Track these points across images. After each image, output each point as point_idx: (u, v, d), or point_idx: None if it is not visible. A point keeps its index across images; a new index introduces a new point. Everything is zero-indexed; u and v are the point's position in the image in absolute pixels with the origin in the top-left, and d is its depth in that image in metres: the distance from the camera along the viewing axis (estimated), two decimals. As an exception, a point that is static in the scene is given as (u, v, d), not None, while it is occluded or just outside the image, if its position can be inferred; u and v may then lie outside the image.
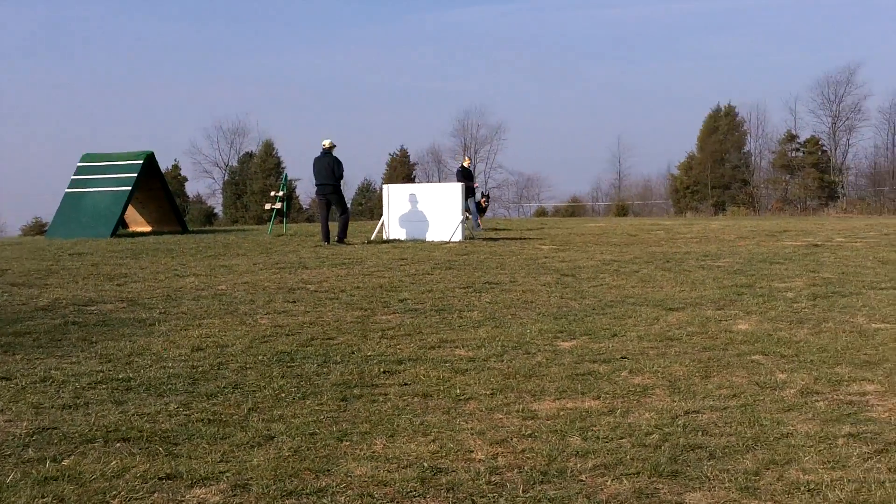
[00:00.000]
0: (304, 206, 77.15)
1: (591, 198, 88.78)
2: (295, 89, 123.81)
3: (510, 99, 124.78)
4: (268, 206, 27.27)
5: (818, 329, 9.57)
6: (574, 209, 78.83)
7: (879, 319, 10.13)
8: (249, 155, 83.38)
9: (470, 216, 26.98)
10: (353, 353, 8.49)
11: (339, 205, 21.69)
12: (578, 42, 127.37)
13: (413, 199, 22.91)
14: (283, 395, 6.98)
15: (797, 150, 79.93)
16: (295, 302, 11.55)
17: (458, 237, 21.88)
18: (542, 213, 77.05)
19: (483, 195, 29.85)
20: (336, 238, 21.22)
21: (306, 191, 77.85)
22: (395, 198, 23.14)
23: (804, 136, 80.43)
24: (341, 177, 21.44)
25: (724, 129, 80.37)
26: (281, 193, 26.22)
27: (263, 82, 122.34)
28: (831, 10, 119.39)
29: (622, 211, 71.80)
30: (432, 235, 22.13)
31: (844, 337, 9.12)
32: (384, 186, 24.29)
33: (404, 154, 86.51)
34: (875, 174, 78.49)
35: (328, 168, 21.17)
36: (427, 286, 13.00)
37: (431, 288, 12.81)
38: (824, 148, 79.98)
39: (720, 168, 78.75)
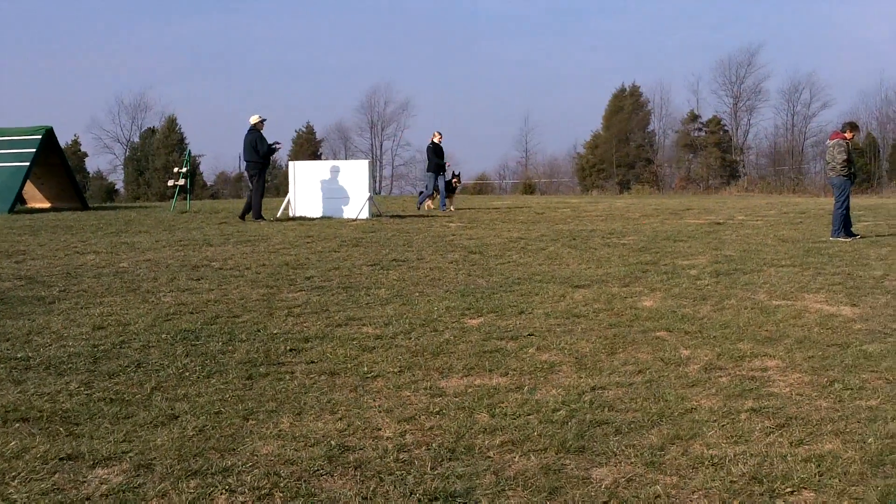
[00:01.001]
0: (207, 183, 76.24)
1: (498, 175, 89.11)
2: (198, 65, 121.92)
3: (417, 76, 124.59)
4: (171, 183, 26.81)
5: (721, 306, 9.72)
6: (481, 187, 79.03)
7: (780, 296, 10.33)
8: (152, 131, 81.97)
9: (437, 195, 26.67)
10: (259, 331, 8.39)
11: (255, 183, 21.35)
12: (486, 20, 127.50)
13: (320, 176, 22.73)
14: (188, 373, 6.87)
15: (699, 129, 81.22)
16: (199, 279, 11.38)
17: (364, 214, 21.77)
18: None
19: (454, 175, 28.36)
20: (251, 216, 20.97)
21: (210, 167, 76.99)
22: (302, 175, 22.93)
23: (706, 116, 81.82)
24: (264, 153, 21.01)
25: (628, 108, 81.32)
26: (184, 170, 25.77)
27: (165, 58, 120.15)
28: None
29: (529, 189, 72.20)
30: (339, 212, 21.99)
31: (746, 313, 9.28)
32: (290, 163, 24.04)
33: (310, 131, 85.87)
34: (775, 154, 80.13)
35: (250, 145, 20.88)
36: (334, 263, 12.92)
37: (338, 265, 12.73)
38: (726, 128, 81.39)
39: (625, 147, 79.67)
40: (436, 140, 26.98)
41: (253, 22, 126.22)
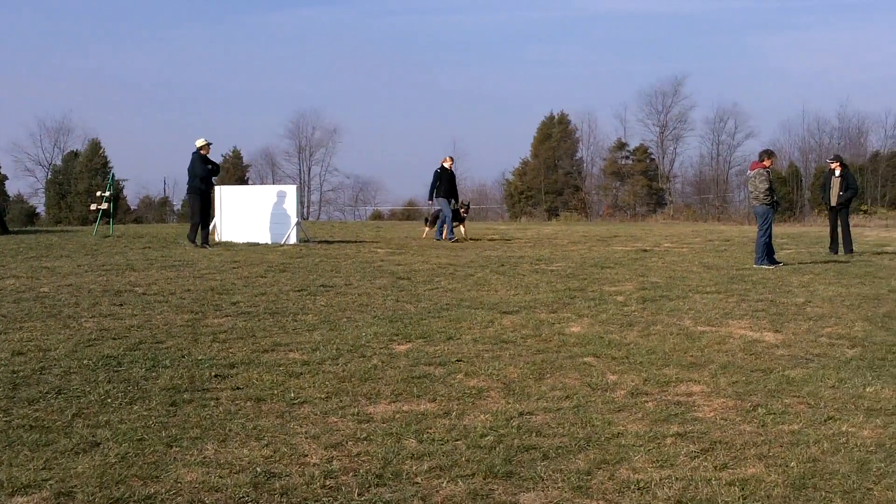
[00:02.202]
0: (131, 207, 75.31)
1: (426, 202, 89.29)
2: (123, 88, 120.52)
3: (346, 102, 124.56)
4: (93, 207, 26.33)
5: (647, 332, 9.80)
6: (410, 213, 79.17)
7: (705, 322, 10.45)
8: (74, 154, 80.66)
9: (444, 223, 24.33)
10: (184, 356, 8.27)
11: (191, 205, 20.98)
12: (415, 47, 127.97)
13: (247, 201, 22.55)
14: (110, 400, 6.75)
15: (626, 157, 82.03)
16: (122, 305, 11.20)
17: (292, 240, 21.64)
18: (377, 216, 77.19)
19: (463, 204, 25.97)
20: (187, 236, 20.64)
21: (134, 191, 76.07)
22: (228, 199, 22.75)
23: (633, 144, 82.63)
24: (199, 177, 20.46)
25: (557, 136, 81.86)
26: (107, 194, 25.36)
27: (89, 80, 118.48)
28: (658, 22, 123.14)
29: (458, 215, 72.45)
30: (266, 238, 21.82)
31: (672, 339, 9.37)
32: (217, 188, 23.81)
33: (237, 155, 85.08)
34: (700, 182, 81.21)
35: (189, 168, 20.54)
36: (260, 289, 12.80)
37: (265, 291, 12.62)
38: (652, 156, 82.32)
39: (553, 174, 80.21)
40: (447, 165, 24.78)
41: (179, 46, 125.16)
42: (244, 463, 5.35)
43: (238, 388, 7.16)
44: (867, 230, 35.23)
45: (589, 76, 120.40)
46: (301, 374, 7.66)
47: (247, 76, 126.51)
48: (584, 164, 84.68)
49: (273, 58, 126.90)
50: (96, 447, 5.62)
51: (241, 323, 10.04)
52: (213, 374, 7.60)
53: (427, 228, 25.51)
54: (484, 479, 5.12)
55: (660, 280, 14.44)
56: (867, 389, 7.37)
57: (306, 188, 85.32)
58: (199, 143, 20.60)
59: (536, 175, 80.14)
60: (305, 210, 79.31)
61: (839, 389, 7.37)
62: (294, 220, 21.91)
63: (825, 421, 6.45)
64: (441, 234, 24.60)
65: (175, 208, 77.75)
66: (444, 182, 24.48)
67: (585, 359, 8.41)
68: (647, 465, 5.40)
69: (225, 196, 22.83)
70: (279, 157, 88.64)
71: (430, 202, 25.21)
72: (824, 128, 79.75)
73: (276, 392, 7.04)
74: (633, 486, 5.03)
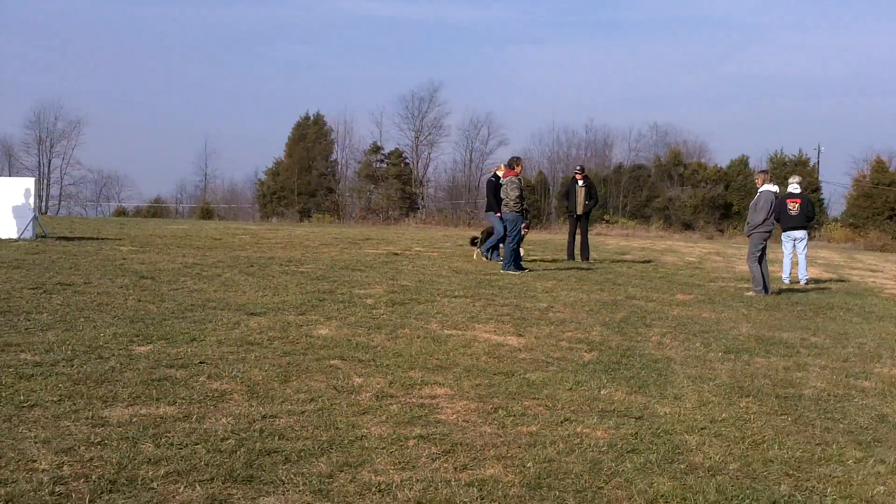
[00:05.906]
0: None
1: (174, 199, 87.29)
2: None
3: (91, 93, 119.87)
4: None
5: (395, 335, 9.87)
6: (157, 210, 77.26)
7: (451, 326, 10.62)
8: None
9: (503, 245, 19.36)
10: None
11: None
12: (166, 40, 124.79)
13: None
14: None
15: (382, 161, 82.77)
16: None
17: (28, 234, 20.67)
18: (122, 213, 74.87)
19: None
20: None
21: None
22: (-39, 191, 21.52)
23: (389, 148, 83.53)
24: None
25: (311, 137, 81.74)
26: None
27: None
28: (414, 29, 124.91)
29: (207, 214, 71.30)
30: (0, 232, 20.74)
31: (419, 342, 9.47)
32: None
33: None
34: (453, 188, 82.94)
35: None
36: (-7, 286, 12.14)
37: (-2, 288, 11.97)
38: (407, 161, 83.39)
39: (307, 175, 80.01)
40: (500, 173, 19.80)
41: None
42: (-35, 470, 5.04)
43: (-38, 391, 6.75)
44: (609, 239, 36.87)
45: (347, 79, 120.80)
46: (32, 375, 7.28)
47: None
48: (339, 166, 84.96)
49: (13, 44, 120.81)
50: None
51: (-32, 321, 9.48)
52: (-66, 375, 7.14)
53: (476, 249, 21.76)
54: (223, 483, 5.01)
55: (409, 283, 14.60)
56: (602, 392, 7.67)
57: (45, 181, 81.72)
58: None
59: (290, 176, 79.77)
60: (44, 204, 75.93)
61: (576, 392, 7.63)
62: (31, 214, 20.94)
63: (562, 422, 6.66)
64: (489, 252, 20.85)
65: None
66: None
67: (332, 361, 8.38)
68: (388, 467, 5.42)
69: (-44, 187, 21.57)
70: (17, 147, 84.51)
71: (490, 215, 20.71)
72: (573, 139, 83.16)
73: (4, 395, 6.66)
74: (374, 489, 5.04)
